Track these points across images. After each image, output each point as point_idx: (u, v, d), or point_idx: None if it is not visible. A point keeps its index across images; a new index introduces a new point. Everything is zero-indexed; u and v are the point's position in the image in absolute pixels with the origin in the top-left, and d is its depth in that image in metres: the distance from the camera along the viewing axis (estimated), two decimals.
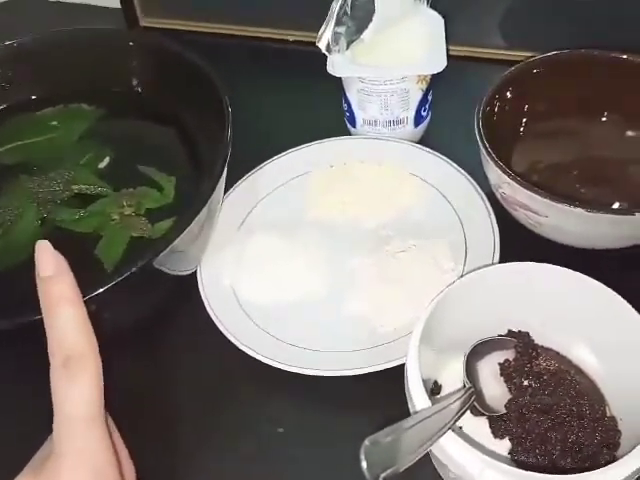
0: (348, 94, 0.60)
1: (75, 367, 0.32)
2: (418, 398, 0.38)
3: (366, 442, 0.31)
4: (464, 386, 0.43)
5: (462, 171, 0.56)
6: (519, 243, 0.52)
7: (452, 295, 0.43)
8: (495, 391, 0.44)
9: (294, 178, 0.60)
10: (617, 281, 0.50)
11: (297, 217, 0.57)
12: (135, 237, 0.50)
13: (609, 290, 0.41)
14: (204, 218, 0.47)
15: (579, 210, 0.45)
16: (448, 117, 0.64)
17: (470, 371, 0.44)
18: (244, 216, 0.58)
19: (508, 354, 0.45)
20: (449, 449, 0.35)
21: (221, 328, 0.49)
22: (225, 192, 0.57)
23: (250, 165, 0.60)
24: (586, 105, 0.56)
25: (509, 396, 0.44)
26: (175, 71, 0.56)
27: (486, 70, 0.68)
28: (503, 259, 0.50)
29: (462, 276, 0.44)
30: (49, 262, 0.34)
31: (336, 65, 0.57)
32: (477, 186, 0.55)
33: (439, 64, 0.56)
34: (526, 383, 0.44)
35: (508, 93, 0.55)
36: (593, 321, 0.43)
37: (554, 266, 0.43)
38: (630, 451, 0.34)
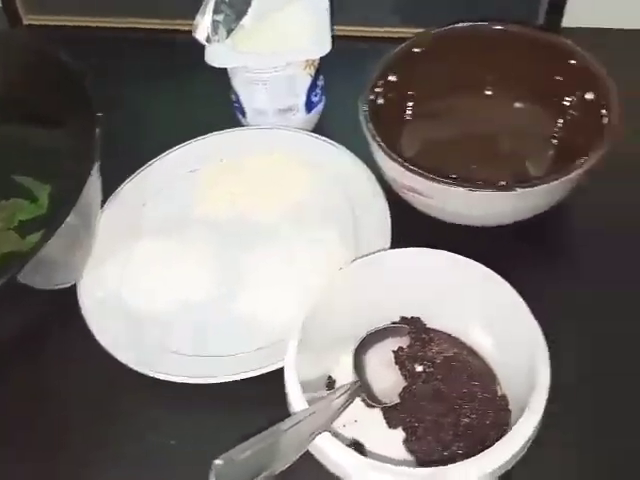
0: (234, 84, 0.58)
1: None
2: (295, 401, 0.36)
3: (217, 462, 0.29)
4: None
5: (355, 158, 0.55)
6: (413, 227, 0.51)
7: (338, 286, 0.42)
8: (389, 380, 0.43)
9: (183, 175, 0.58)
10: (509, 257, 0.51)
11: (185, 215, 0.55)
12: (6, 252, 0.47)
13: (494, 274, 0.41)
14: (79, 226, 0.44)
15: (461, 190, 0.44)
16: (343, 101, 0.61)
17: (362, 362, 0.43)
18: (131, 219, 0.55)
19: (402, 341, 0.45)
20: (325, 449, 0.34)
21: (99, 339, 0.46)
22: (109, 195, 0.55)
23: (136, 165, 0.57)
24: (471, 81, 0.56)
25: (404, 384, 0.43)
26: (43, 70, 0.52)
27: (381, 49, 0.66)
28: (397, 244, 0.49)
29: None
30: None
31: (216, 55, 0.54)
32: (370, 172, 0.54)
33: (323, 47, 0.54)
34: (420, 369, 0.44)
35: (390, 77, 0.54)
36: (481, 303, 0.43)
37: (440, 251, 0.42)
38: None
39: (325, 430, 0.35)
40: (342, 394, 0.39)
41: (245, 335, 0.47)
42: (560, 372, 0.37)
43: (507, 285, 0.40)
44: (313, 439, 0.34)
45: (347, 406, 0.39)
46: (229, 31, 0.54)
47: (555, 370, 0.36)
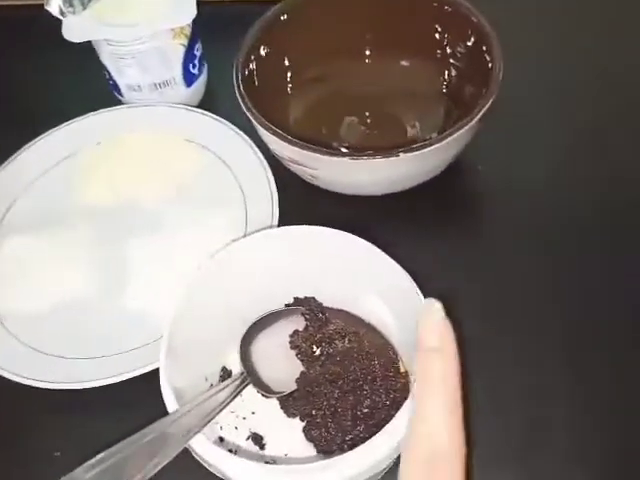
0: (102, 59, 0.53)
1: (441, 466, 0.27)
2: (168, 403, 0.33)
3: None
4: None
5: (240, 133, 0.51)
6: (302, 201, 0.49)
7: (215, 271, 0.39)
8: (286, 367, 0.41)
9: (57, 163, 0.53)
10: (399, 226, 0.49)
11: (62, 207, 0.51)
12: None
13: (373, 247, 0.38)
14: None
15: (342, 159, 0.42)
16: (228, 73, 0.58)
17: (250, 351, 0.40)
18: (1, 215, 0.50)
19: (297, 324, 0.42)
20: (199, 450, 0.32)
21: None
22: None
23: (4, 154, 0.52)
24: (348, 43, 0.52)
25: (301, 369, 0.41)
26: None
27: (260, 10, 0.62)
28: (287, 220, 0.46)
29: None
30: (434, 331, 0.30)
31: (73, 29, 0.49)
32: (255, 147, 0.50)
33: (188, 14, 0.50)
34: (318, 352, 0.41)
35: (262, 49, 0.50)
36: (371, 277, 0.40)
37: (324, 228, 0.39)
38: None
39: (203, 427, 0.32)
40: (223, 388, 0.36)
41: (132, 332, 0.44)
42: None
43: (391, 260, 0.37)
44: (189, 439, 0.31)
45: (231, 399, 0.36)
46: (86, 2, 0.50)
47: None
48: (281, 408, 0.40)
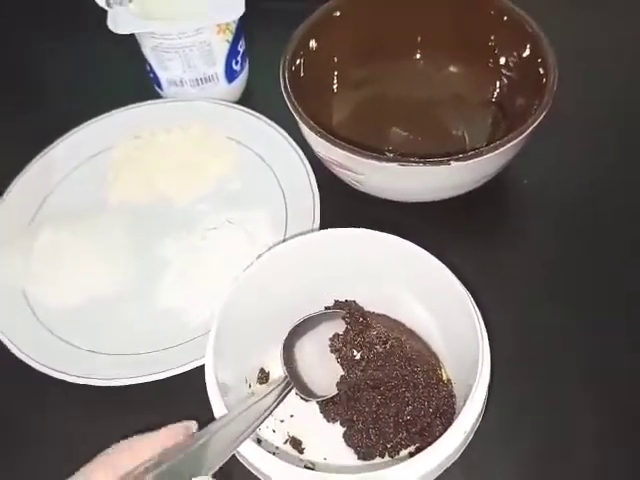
0: (145, 53, 0.52)
1: None
2: (216, 406, 0.33)
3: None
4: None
5: (282, 131, 0.51)
6: (345, 205, 0.48)
7: (260, 273, 0.38)
8: (327, 370, 0.40)
9: (94, 156, 0.52)
10: (443, 234, 0.48)
11: (98, 202, 0.50)
12: None
13: (425, 252, 0.37)
14: None
15: (391, 164, 0.41)
16: (270, 70, 0.56)
17: (293, 354, 0.39)
18: (35, 208, 0.50)
19: (338, 327, 0.41)
20: (246, 454, 0.31)
21: (6, 342, 0.42)
22: (8, 184, 0.49)
23: (40, 146, 0.52)
24: (399, 44, 0.51)
25: (342, 373, 0.40)
26: None
27: (307, 8, 0.60)
28: (329, 223, 0.45)
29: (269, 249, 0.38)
30: None
31: (119, 20, 0.49)
32: (298, 148, 0.49)
33: (236, 10, 0.49)
34: (358, 356, 0.40)
35: (312, 44, 0.49)
36: (418, 284, 0.39)
37: (370, 231, 0.38)
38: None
39: (251, 433, 0.32)
40: (268, 393, 0.35)
41: (168, 330, 0.43)
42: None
43: (443, 266, 0.37)
44: (238, 445, 0.31)
45: (277, 405, 0.35)
46: None
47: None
48: (321, 412, 0.40)
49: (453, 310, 0.37)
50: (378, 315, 0.42)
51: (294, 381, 0.38)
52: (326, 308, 0.42)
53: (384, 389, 0.39)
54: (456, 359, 0.39)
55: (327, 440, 0.39)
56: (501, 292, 0.45)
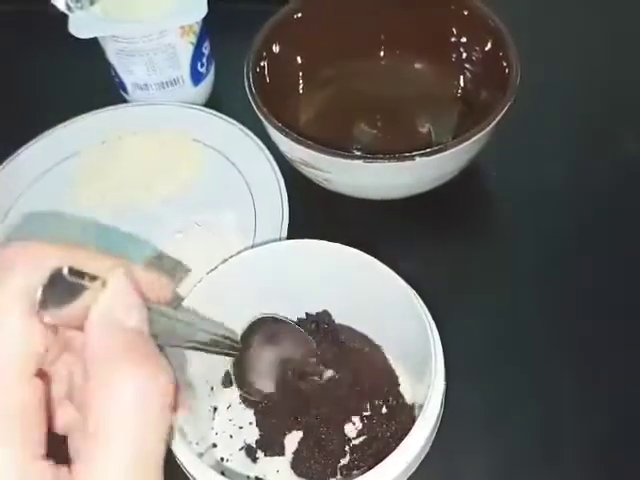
0: (108, 57, 0.52)
1: None
2: None
3: None
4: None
5: (249, 133, 0.50)
6: (314, 204, 0.48)
7: (220, 280, 0.36)
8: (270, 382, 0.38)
9: (60, 162, 0.51)
10: (411, 230, 0.48)
11: (65, 207, 0.49)
12: None
13: (381, 265, 0.35)
14: None
15: (357, 162, 0.41)
16: (236, 72, 0.56)
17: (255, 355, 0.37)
18: (2, 216, 0.49)
19: (300, 345, 0.39)
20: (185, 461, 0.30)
21: None
22: None
23: (4, 154, 0.51)
24: (362, 43, 0.51)
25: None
26: None
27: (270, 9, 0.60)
28: (298, 223, 0.45)
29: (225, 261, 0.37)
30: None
31: (80, 24, 0.48)
32: (265, 149, 0.49)
33: (199, 11, 0.48)
34: (307, 389, 0.38)
35: (274, 46, 0.49)
36: (376, 296, 0.37)
37: (327, 243, 0.36)
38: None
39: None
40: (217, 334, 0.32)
41: None
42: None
43: (392, 274, 0.34)
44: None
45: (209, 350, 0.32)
46: None
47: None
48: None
49: (411, 325, 0.34)
50: (343, 327, 0.40)
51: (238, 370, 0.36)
52: (299, 319, 0.40)
53: (331, 410, 0.37)
54: (416, 375, 0.37)
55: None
56: (472, 287, 0.45)
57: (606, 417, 0.40)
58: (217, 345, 0.32)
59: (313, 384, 0.38)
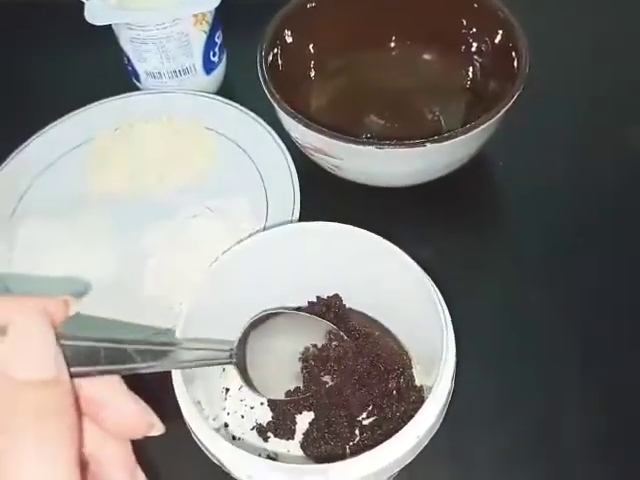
0: (122, 45, 0.52)
1: None
2: (179, 393, 0.32)
3: None
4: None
5: (260, 120, 0.51)
6: (324, 190, 0.49)
7: (231, 264, 0.37)
8: (283, 374, 0.38)
9: (73, 149, 0.52)
10: (421, 217, 0.48)
11: (78, 195, 0.50)
12: None
13: (396, 248, 0.35)
14: None
15: (368, 148, 0.41)
16: (248, 60, 0.57)
17: (259, 342, 0.36)
18: (15, 202, 0.49)
19: (313, 332, 0.38)
20: (200, 435, 0.31)
21: None
22: None
23: (21, 139, 0.52)
24: (373, 33, 0.52)
25: (299, 385, 0.38)
26: None
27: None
28: (309, 209, 0.46)
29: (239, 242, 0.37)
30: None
31: (95, 12, 0.49)
32: (276, 136, 0.50)
33: (211, 0, 0.49)
34: (327, 380, 0.38)
35: (287, 35, 0.49)
36: (389, 280, 0.37)
37: (341, 225, 0.36)
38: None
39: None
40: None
41: (151, 319, 0.43)
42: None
43: (412, 263, 0.35)
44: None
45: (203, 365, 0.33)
46: None
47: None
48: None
49: (423, 309, 0.35)
50: (355, 312, 0.41)
51: (241, 365, 0.35)
52: (309, 303, 0.41)
53: (343, 392, 0.37)
54: (427, 361, 0.37)
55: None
56: (481, 276, 0.45)
57: (608, 415, 0.40)
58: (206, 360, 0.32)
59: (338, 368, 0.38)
